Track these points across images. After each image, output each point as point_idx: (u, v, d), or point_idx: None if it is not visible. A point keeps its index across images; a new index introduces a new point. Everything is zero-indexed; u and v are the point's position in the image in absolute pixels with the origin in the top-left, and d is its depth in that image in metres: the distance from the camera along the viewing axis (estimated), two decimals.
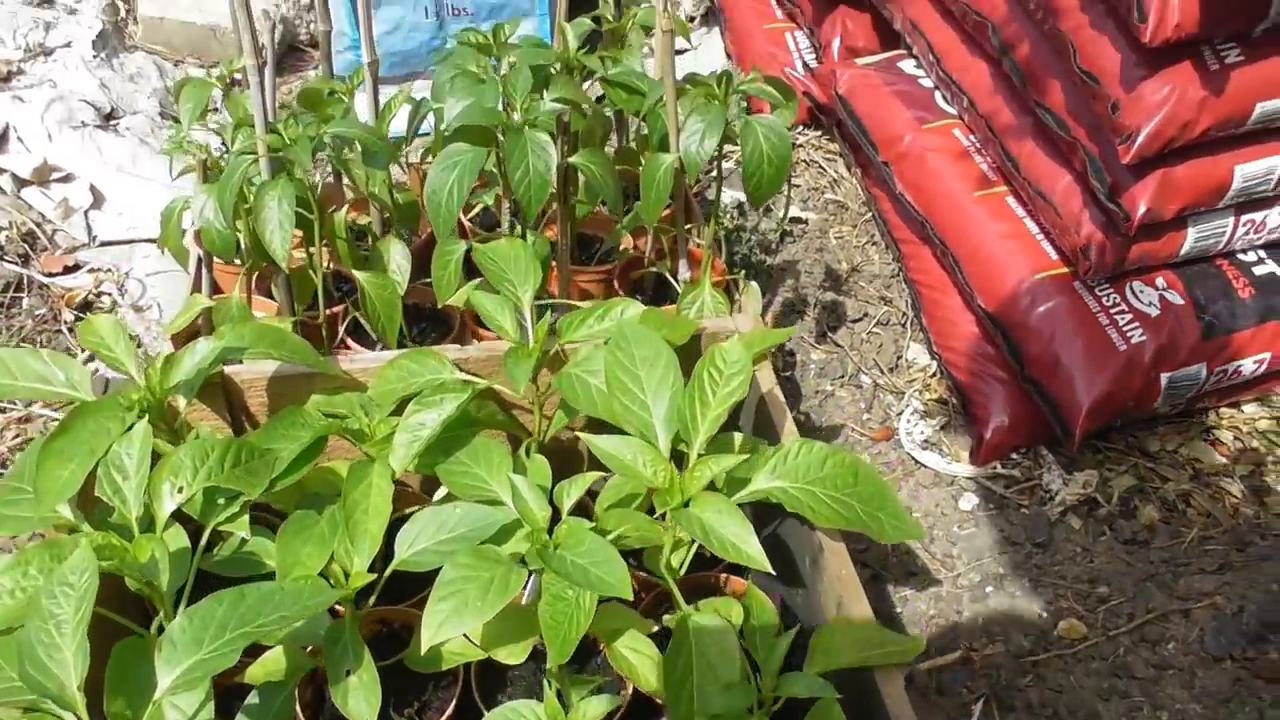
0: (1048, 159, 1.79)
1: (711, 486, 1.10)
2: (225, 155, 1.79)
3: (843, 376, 2.03)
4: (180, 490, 1.05)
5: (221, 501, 1.11)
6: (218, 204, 1.46)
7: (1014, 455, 1.87)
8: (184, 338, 1.64)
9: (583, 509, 1.21)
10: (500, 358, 1.40)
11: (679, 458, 1.12)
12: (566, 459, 1.43)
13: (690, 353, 1.43)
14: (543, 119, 1.39)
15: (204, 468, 1.07)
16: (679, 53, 2.86)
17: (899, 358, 2.06)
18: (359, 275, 1.51)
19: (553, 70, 1.62)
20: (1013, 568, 1.67)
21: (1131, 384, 1.71)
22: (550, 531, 1.07)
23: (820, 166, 2.46)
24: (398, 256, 1.59)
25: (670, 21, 1.37)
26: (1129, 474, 1.84)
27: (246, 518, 1.11)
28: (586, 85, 1.78)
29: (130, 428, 1.09)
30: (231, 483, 1.07)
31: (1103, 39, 1.55)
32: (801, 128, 2.55)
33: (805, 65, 2.54)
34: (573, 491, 1.14)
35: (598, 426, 1.20)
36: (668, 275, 1.71)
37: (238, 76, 1.82)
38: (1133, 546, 1.70)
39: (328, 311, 1.60)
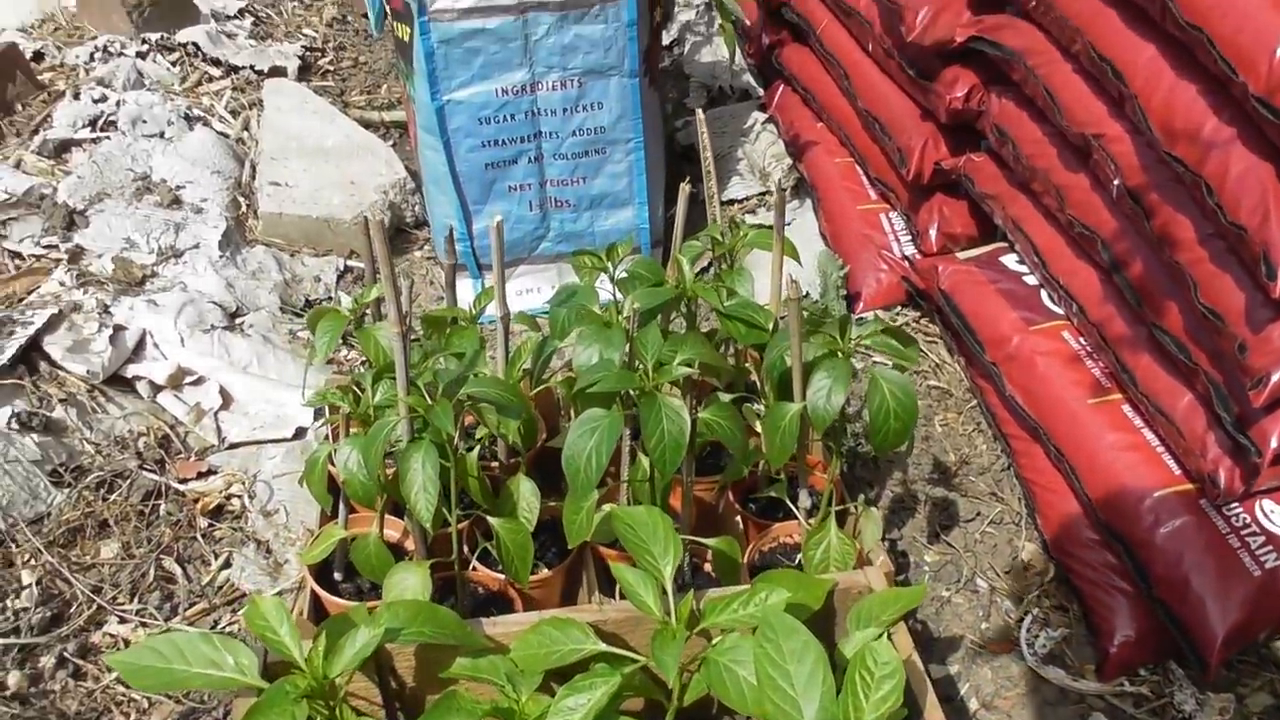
0: (1167, 375, 1.79)
1: None
2: (357, 369, 1.88)
3: (958, 581, 2.01)
4: None
5: None
6: (362, 458, 1.53)
7: (1141, 670, 1.83)
8: (318, 568, 1.70)
9: None
10: (636, 617, 1.43)
11: None
12: (704, 715, 1.44)
13: (824, 610, 1.44)
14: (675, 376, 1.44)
15: None
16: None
17: (1015, 559, 2.04)
18: (493, 521, 1.56)
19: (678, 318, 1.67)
20: None
21: (1268, 611, 1.67)
22: None
23: (921, 350, 2.48)
24: (527, 494, 1.64)
25: (798, 293, 1.41)
26: (1264, 690, 1.79)
27: None
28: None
29: None
30: None
31: (1225, 277, 1.57)
32: (900, 308, 2.58)
33: (901, 248, 2.58)
34: None
35: None
36: (786, 500, 1.73)
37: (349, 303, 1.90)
38: None
39: (462, 553, 1.64)
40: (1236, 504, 1.74)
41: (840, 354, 1.51)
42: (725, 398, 1.69)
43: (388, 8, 2.55)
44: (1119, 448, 1.86)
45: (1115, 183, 1.76)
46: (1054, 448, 1.95)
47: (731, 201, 3.12)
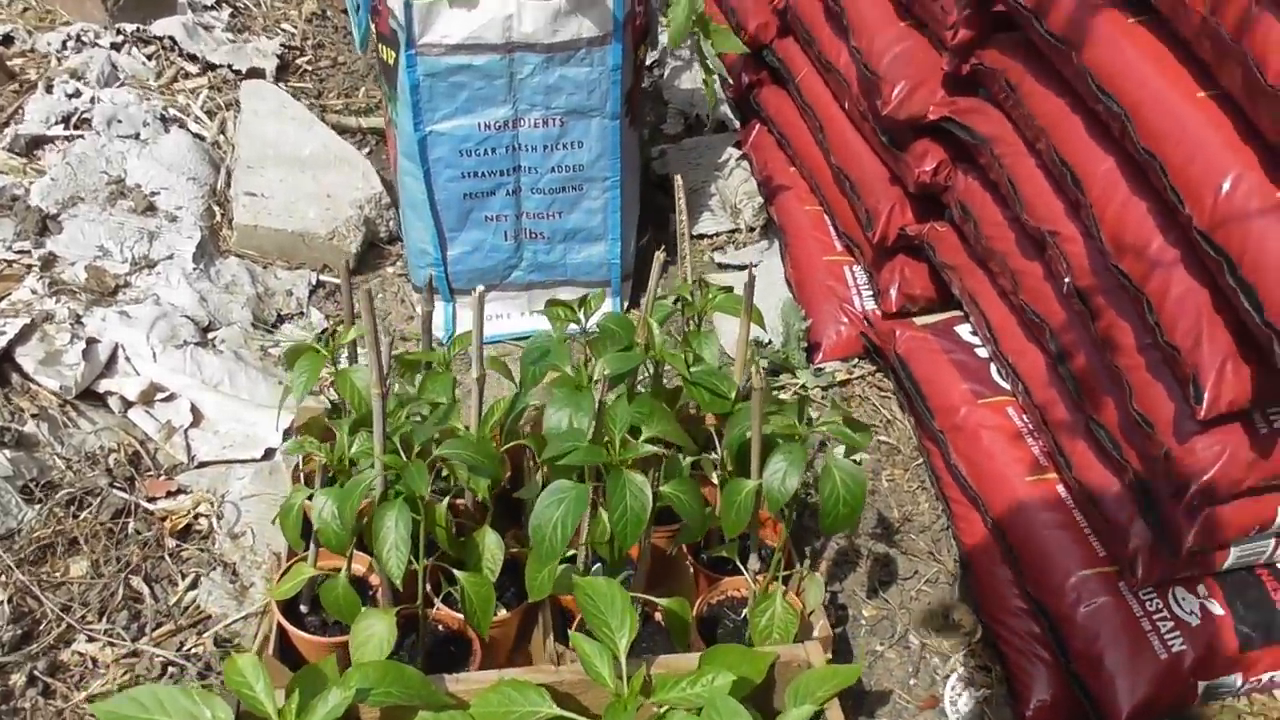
0: (1100, 465, 1.90)
1: None
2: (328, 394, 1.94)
3: (892, 636, 2.12)
4: None
5: None
6: (337, 510, 1.59)
7: None
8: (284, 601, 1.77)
9: None
10: (590, 681, 1.52)
11: None
12: None
13: (765, 681, 1.54)
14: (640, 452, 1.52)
15: None
16: (738, 268, 3.01)
17: (947, 618, 2.16)
18: (459, 575, 1.63)
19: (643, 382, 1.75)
20: None
21: (1170, 690, 1.80)
22: None
23: (874, 404, 2.59)
24: (492, 546, 1.71)
25: (762, 380, 1.50)
26: None
27: None
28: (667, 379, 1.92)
29: None
30: None
31: (1158, 386, 1.68)
32: (857, 360, 2.69)
33: (863, 302, 2.68)
34: None
35: None
36: (737, 562, 1.83)
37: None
38: None
39: (425, 594, 1.72)
40: (1151, 590, 1.86)
41: (798, 439, 1.60)
42: (685, 462, 1.77)
43: (374, 29, 2.58)
44: (1051, 525, 1.98)
45: (1066, 280, 1.86)
46: (991, 519, 2.07)
47: (701, 236, 3.20)
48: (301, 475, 1.99)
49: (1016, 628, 2.01)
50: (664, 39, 3.74)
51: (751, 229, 3.17)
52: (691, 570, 2.01)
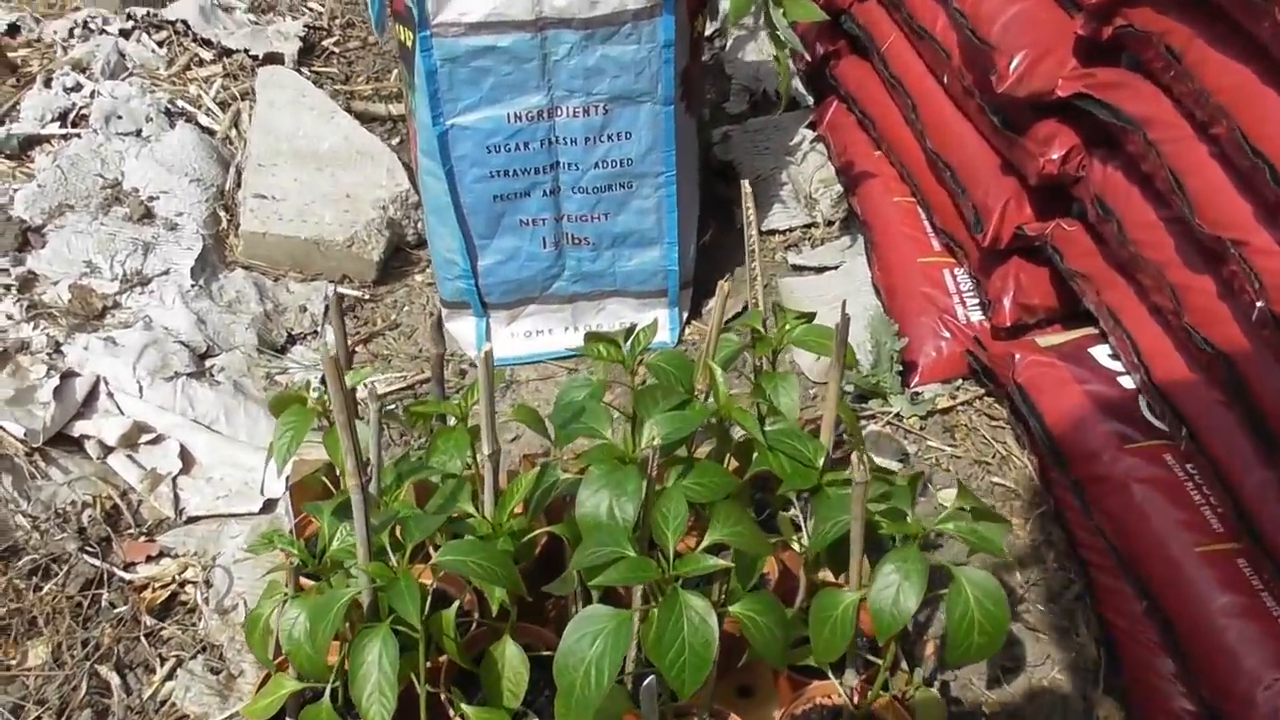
0: None
1: None
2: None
3: None
4: None
5: None
6: (309, 631, 1.24)
7: None
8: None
9: None
10: None
11: None
12: None
13: None
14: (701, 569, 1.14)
15: None
16: (815, 270, 2.59)
17: (1088, 717, 1.74)
18: (467, 710, 1.27)
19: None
20: None
21: None
22: None
23: (984, 436, 2.16)
24: (514, 663, 1.35)
25: (866, 472, 1.10)
26: None
27: None
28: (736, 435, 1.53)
29: None
30: None
31: None
32: (960, 381, 2.26)
33: (967, 312, 2.25)
34: None
35: None
36: (828, 673, 1.43)
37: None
38: None
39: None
40: None
41: (915, 538, 1.19)
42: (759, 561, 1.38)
43: (389, 7, 2.21)
44: (1232, 613, 1.54)
45: (1259, 305, 1.42)
46: (1149, 596, 1.64)
47: (772, 232, 2.78)
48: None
49: None
50: (725, 5, 3.31)
51: (830, 223, 2.74)
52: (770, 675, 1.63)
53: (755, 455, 1.46)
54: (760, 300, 1.67)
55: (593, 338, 1.63)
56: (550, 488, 1.42)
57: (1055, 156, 1.86)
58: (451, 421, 1.57)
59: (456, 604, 1.35)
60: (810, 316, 1.62)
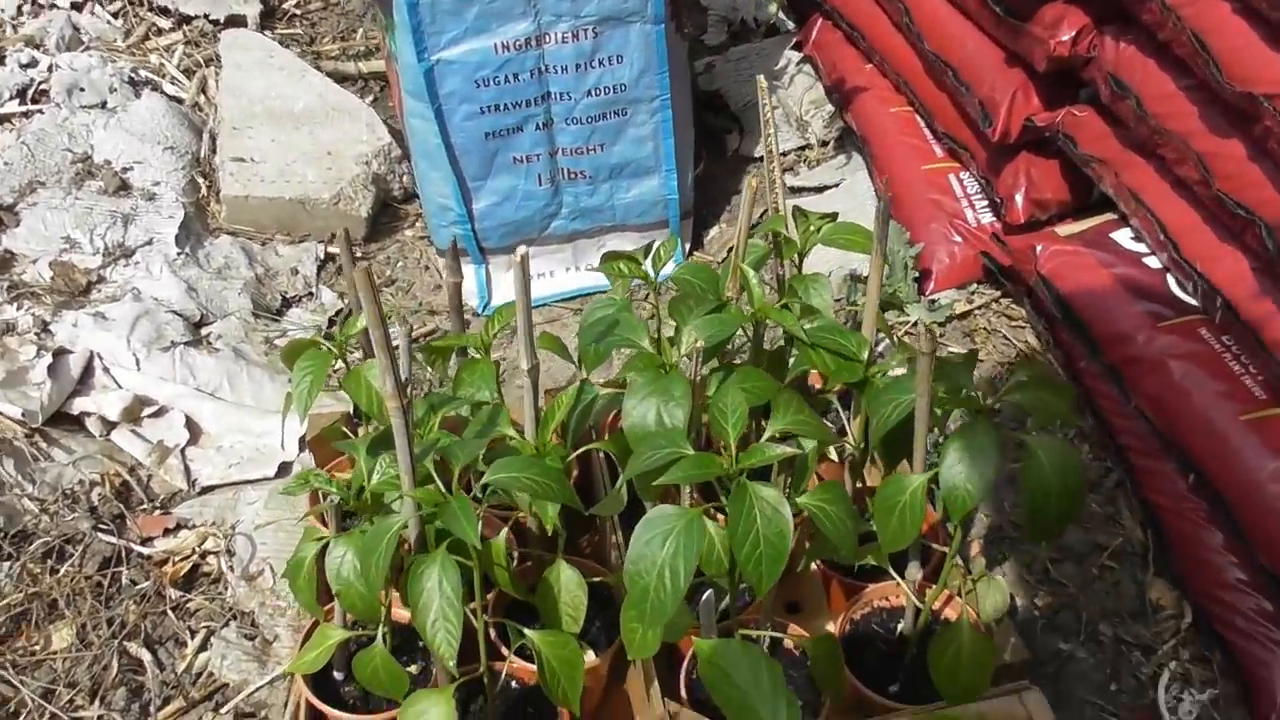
0: None
1: None
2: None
3: (1079, 631, 1.69)
4: None
5: None
6: (360, 568, 1.18)
7: None
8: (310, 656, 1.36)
9: None
10: None
11: None
12: None
13: None
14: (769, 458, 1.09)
15: None
16: (817, 191, 2.54)
17: (1142, 600, 1.72)
18: (531, 635, 1.22)
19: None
20: None
21: None
22: None
23: (1005, 337, 2.12)
24: (571, 587, 1.30)
25: (933, 342, 1.05)
26: None
27: None
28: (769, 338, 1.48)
29: None
30: None
31: None
32: (975, 285, 2.22)
33: (977, 215, 2.20)
34: None
35: None
36: (888, 569, 1.39)
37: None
38: None
39: (491, 649, 1.31)
40: None
41: (981, 412, 1.15)
42: (812, 453, 1.33)
43: None
44: None
45: None
46: (1196, 471, 1.62)
47: (782, 173, 2.71)
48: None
49: (1241, 606, 1.57)
50: None
51: (824, 143, 2.68)
52: (818, 573, 1.59)
53: (795, 356, 1.42)
54: (781, 205, 1.62)
55: (610, 256, 1.57)
56: (590, 405, 1.37)
57: (1065, 38, 1.81)
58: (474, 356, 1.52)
59: (506, 529, 1.30)
60: (833, 216, 1.57)
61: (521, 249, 1.14)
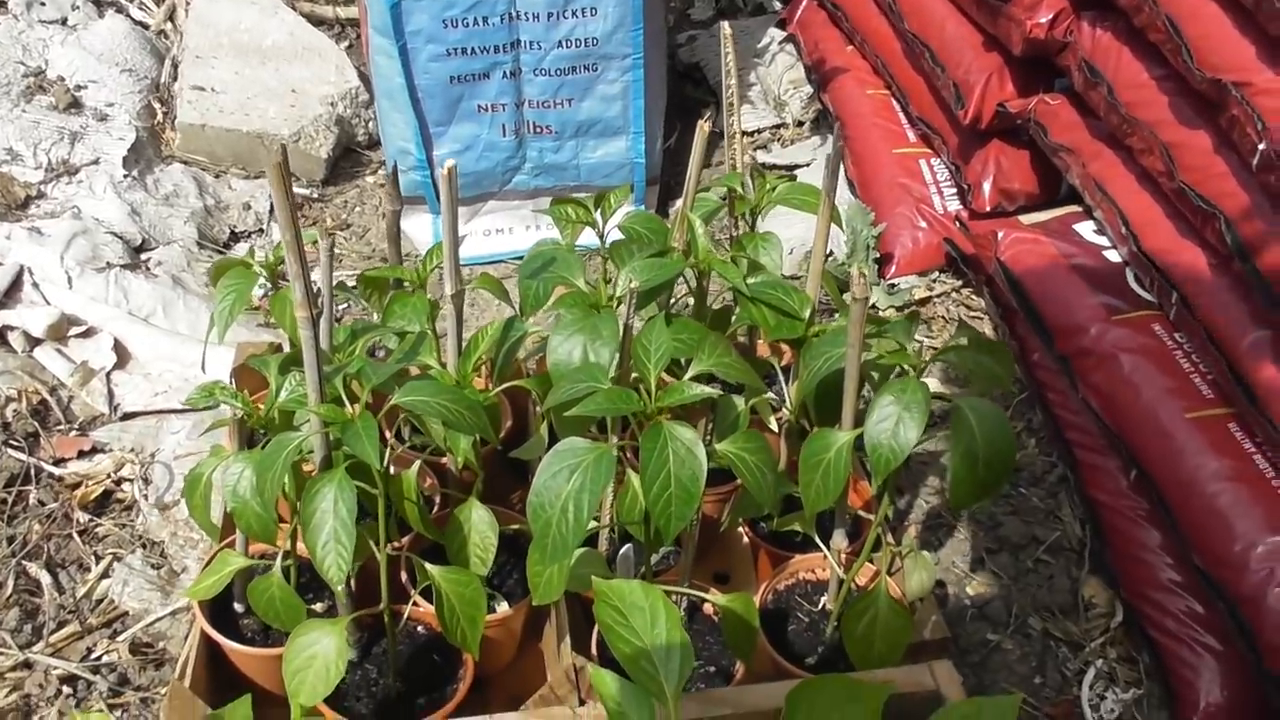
0: None
1: None
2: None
3: (1008, 622, 1.66)
4: None
5: None
6: (256, 484, 1.13)
7: None
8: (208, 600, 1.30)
9: None
10: None
11: None
12: None
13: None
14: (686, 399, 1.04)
15: None
16: (787, 169, 2.50)
17: (1074, 596, 1.69)
18: (433, 570, 1.17)
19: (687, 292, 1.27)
20: None
21: None
22: None
23: (962, 325, 2.09)
24: (481, 528, 1.25)
25: (866, 287, 1.01)
26: None
27: None
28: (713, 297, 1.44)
29: None
30: None
31: None
32: (938, 273, 2.18)
33: (944, 202, 2.17)
34: None
35: None
36: (814, 539, 1.35)
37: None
38: None
39: (395, 588, 1.26)
40: None
41: (912, 371, 1.11)
42: (743, 407, 1.29)
43: None
44: (1224, 476, 1.49)
45: (1260, 147, 1.35)
46: (1138, 468, 1.59)
47: (741, 133, 2.67)
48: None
49: (1171, 608, 1.54)
50: None
51: (800, 123, 2.65)
52: (748, 543, 1.55)
53: (738, 311, 1.37)
54: (739, 161, 1.58)
55: (560, 202, 1.52)
56: (517, 343, 1.32)
57: (1043, 20, 1.78)
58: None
59: (417, 464, 1.25)
60: (792, 176, 1.53)
61: (449, 163, 1.09)
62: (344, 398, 1.14)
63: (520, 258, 2.37)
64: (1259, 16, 1.36)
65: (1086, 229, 1.83)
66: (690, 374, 1.11)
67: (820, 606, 1.42)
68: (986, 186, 2.03)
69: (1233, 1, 1.42)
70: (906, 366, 1.12)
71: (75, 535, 1.66)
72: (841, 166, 2.38)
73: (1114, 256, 1.77)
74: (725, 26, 1.47)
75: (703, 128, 1.34)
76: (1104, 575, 1.67)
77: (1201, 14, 1.47)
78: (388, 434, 1.43)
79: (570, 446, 1.02)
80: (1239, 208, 1.46)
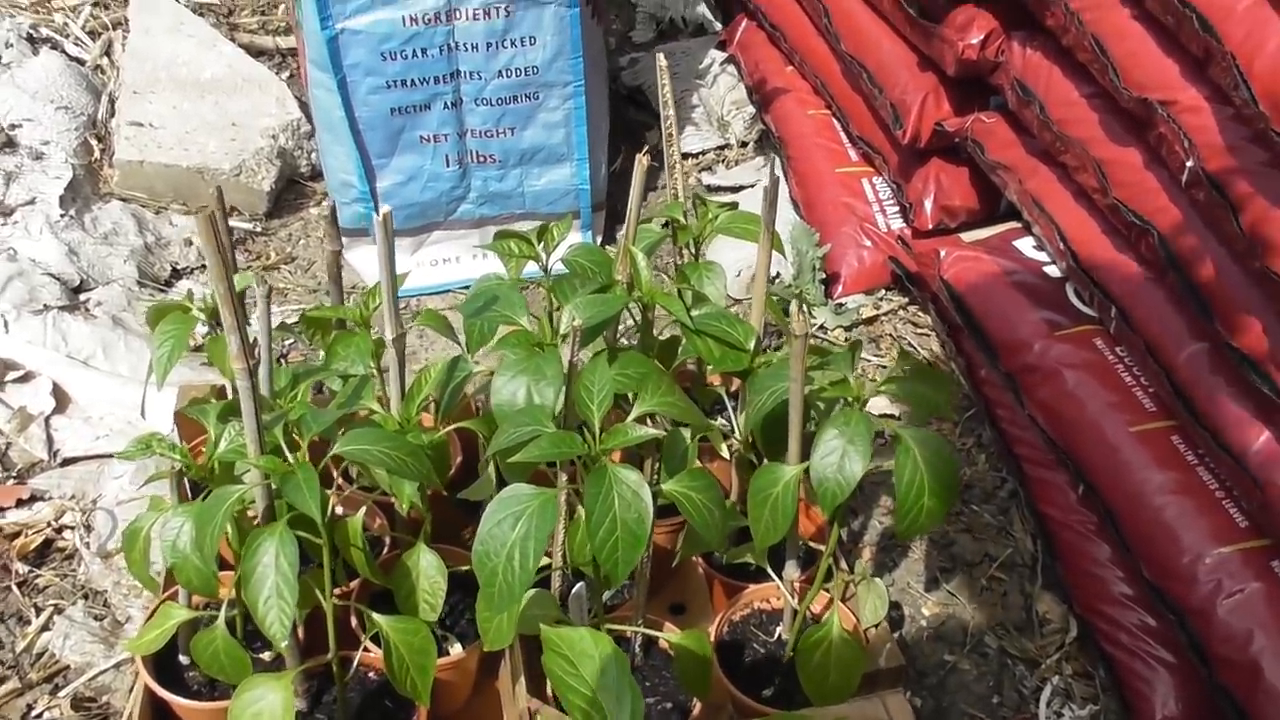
0: (1237, 406, 1.44)
1: None
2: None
3: (963, 641, 1.67)
4: None
5: None
6: (195, 539, 1.11)
7: None
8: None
9: None
10: None
11: None
12: None
13: None
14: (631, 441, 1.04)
15: None
16: (731, 190, 2.51)
17: (1029, 613, 1.70)
18: (380, 620, 1.15)
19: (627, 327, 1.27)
20: None
21: None
22: None
23: (910, 344, 2.11)
24: (430, 573, 1.24)
25: (805, 324, 1.01)
26: None
27: None
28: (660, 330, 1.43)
29: None
30: None
31: None
32: (883, 291, 2.20)
33: (888, 220, 2.19)
34: None
35: None
36: (767, 570, 1.35)
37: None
38: None
39: (344, 634, 1.24)
40: None
41: (856, 402, 1.11)
42: (691, 441, 1.29)
43: None
44: (1169, 490, 1.52)
45: (1189, 164, 1.38)
46: (1086, 483, 1.61)
47: (685, 156, 2.68)
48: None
49: (1124, 622, 1.56)
50: None
51: (744, 144, 2.66)
52: (703, 574, 1.55)
53: (683, 344, 1.37)
54: (680, 191, 1.58)
55: (503, 235, 1.52)
56: (462, 382, 1.31)
57: (975, 41, 1.81)
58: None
59: (363, 509, 1.23)
60: (733, 205, 1.53)
61: (385, 208, 1.08)
62: (284, 447, 1.13)
63: (468, 287, 2.36)
64: (1180, 36, 1.39)
65: (1026, 245, 1.86)
66: (634, 414, 1.10)
67: (776, 636, 1.42)
68: (928, 204, 2.05)
69: (1155, 21, 1.45)
70: (850, 398, 1.13)
71: (14, 587, 1.62)
72: (785, 187, 2.40)
73: (1054, 272, 1.80)
74: (661, 58, 1.47)
75: (641, 161, 1.34)
76: (1057, 591, 1.69)
77: (1127, 33, 1.50)
78: (335, 476, 1.41)
79: (515, 493, 1.01)
80: (1171, 223, 1.49)
